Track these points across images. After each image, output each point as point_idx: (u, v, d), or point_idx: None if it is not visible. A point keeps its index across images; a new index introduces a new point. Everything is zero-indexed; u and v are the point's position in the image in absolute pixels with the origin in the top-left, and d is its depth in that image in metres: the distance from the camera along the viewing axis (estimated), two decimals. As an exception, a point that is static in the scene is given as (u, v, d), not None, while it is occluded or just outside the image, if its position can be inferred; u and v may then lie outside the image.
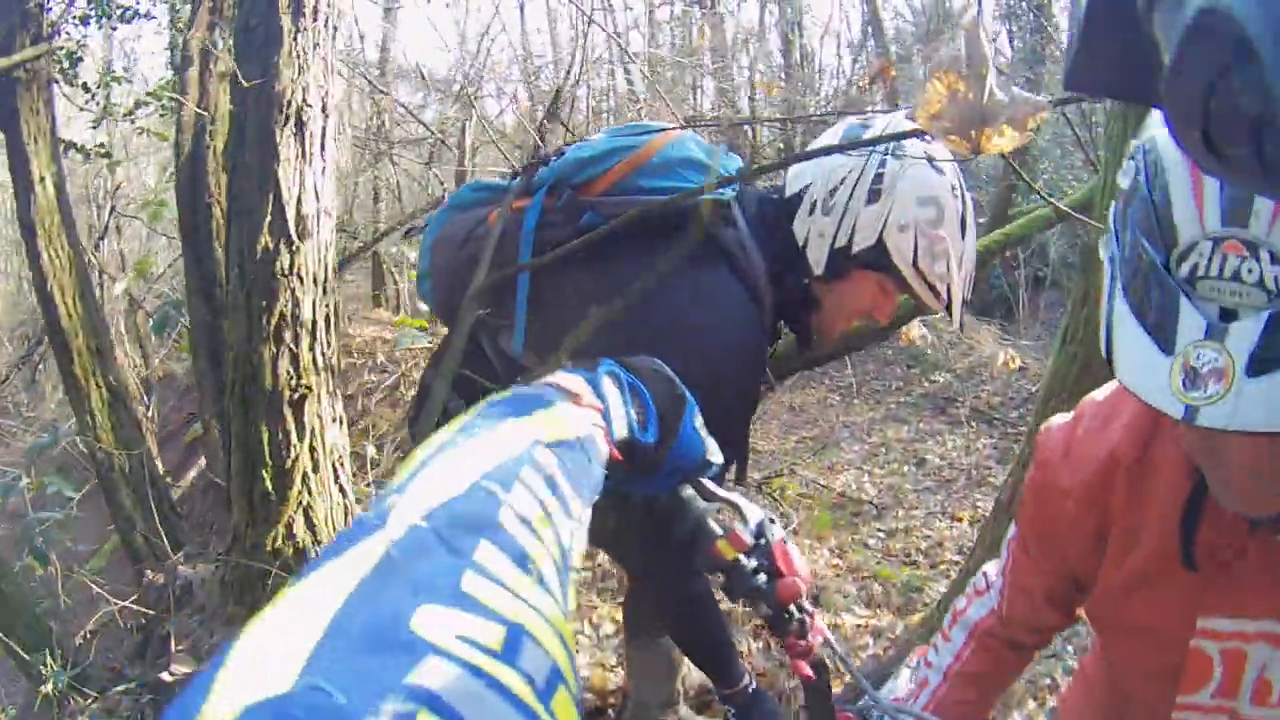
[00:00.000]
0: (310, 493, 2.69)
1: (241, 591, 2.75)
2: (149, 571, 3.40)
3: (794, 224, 1.63)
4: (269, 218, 2.40)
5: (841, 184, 1.58)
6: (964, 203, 1.59)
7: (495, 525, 0.48)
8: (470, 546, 0.45)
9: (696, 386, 0.89)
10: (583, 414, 0.72)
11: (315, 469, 2.69)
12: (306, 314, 2.51)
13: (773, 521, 1.03)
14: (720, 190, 1.58)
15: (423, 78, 8.83)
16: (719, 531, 1.01)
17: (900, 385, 8.83)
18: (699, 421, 0.90)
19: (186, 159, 4.11)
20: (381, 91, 7.97)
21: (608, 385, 0.79)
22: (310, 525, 2.71)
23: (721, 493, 1.02)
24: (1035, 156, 11.23)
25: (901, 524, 6.18)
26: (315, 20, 2.41)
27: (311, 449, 2.66)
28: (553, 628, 0.45)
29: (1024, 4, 10.67)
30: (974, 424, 7.86)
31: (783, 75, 12.27)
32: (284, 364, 2.52)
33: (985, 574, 1.32)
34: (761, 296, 1.59)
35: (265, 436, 2.59)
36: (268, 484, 2.63)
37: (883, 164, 1.56)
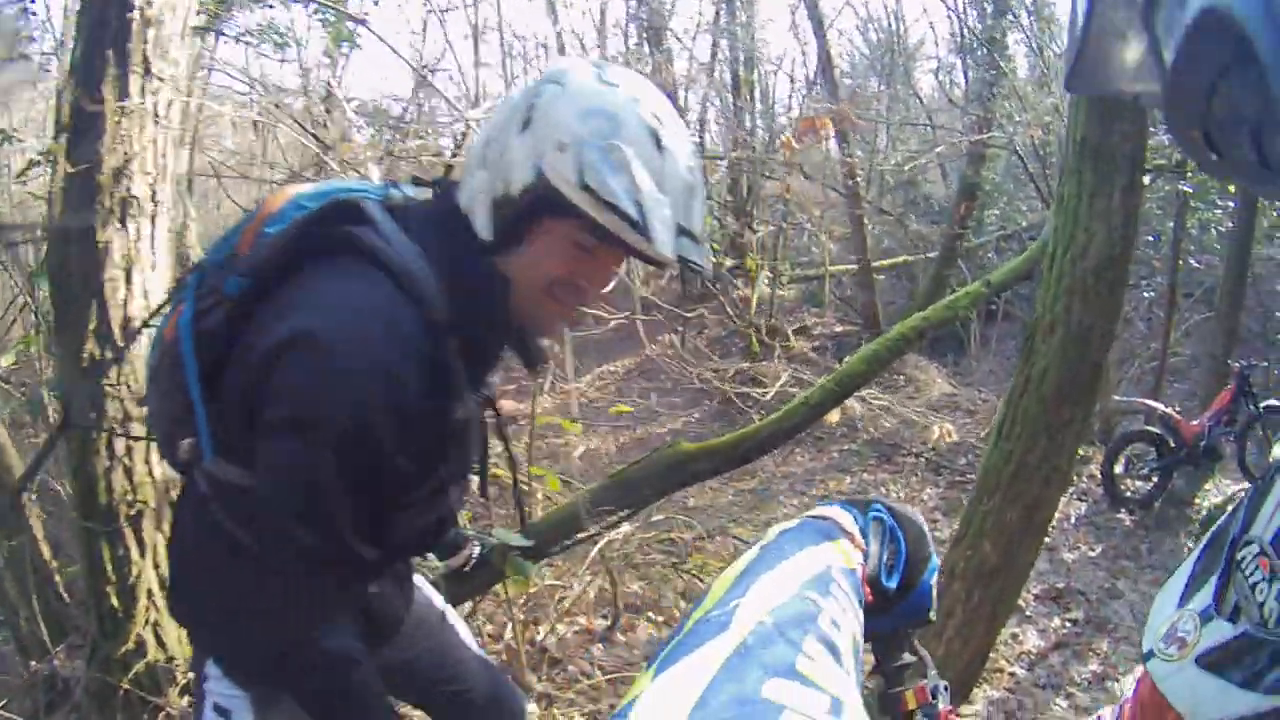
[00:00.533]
0: (157, 609, 2.57)
1: (101, 704, 2.60)
2: (33, 663, 3.26)
3: (459, 197, 1.37)
4: (93, 324, 2.12)
5: (498, 130, 1.32)
6: (661, 120, 1.29)
7: (816, 623, 0.62)
8: (800, 638, 0.59)
9: (337, 404, 0.92)
10: (854, 551, 0.85)
11: (161, 585, 2.55)
12: (138, 427, 2.22)
13: (946, 689, 1.09)
14: (342, 194, 1.36)
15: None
16: (910, 681, 1.08)
17: (844, 432, 8.67)
18: (935, 579, 1.01)
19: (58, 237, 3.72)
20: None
21: (873, 530, 0.95)
22: (161, 642, 2.59)
23: (921, 650, 1.09)
24: (988, 192, 11.24)
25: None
26: (145, 97, 2.11)
27: (155, 565, 2.53)
28: (856, 700, 0.57)
29: (976, 40, 10.63)
30: (919, 473, 7.72)
31: (732, 112, 12.24)
32: (118, 479, 2.27)
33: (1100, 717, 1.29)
34: (422, 290, 1.29)
35: (107, 553, 2.46)
36: (114, 600, 2.51)
37: (539, 93, 1.29)
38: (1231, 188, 7.72)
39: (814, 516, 0.91)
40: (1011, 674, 5.23)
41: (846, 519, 0.91)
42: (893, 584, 0.96)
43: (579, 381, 9.85)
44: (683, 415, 8.07)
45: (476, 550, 2.18)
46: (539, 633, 4.43)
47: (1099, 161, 2.75)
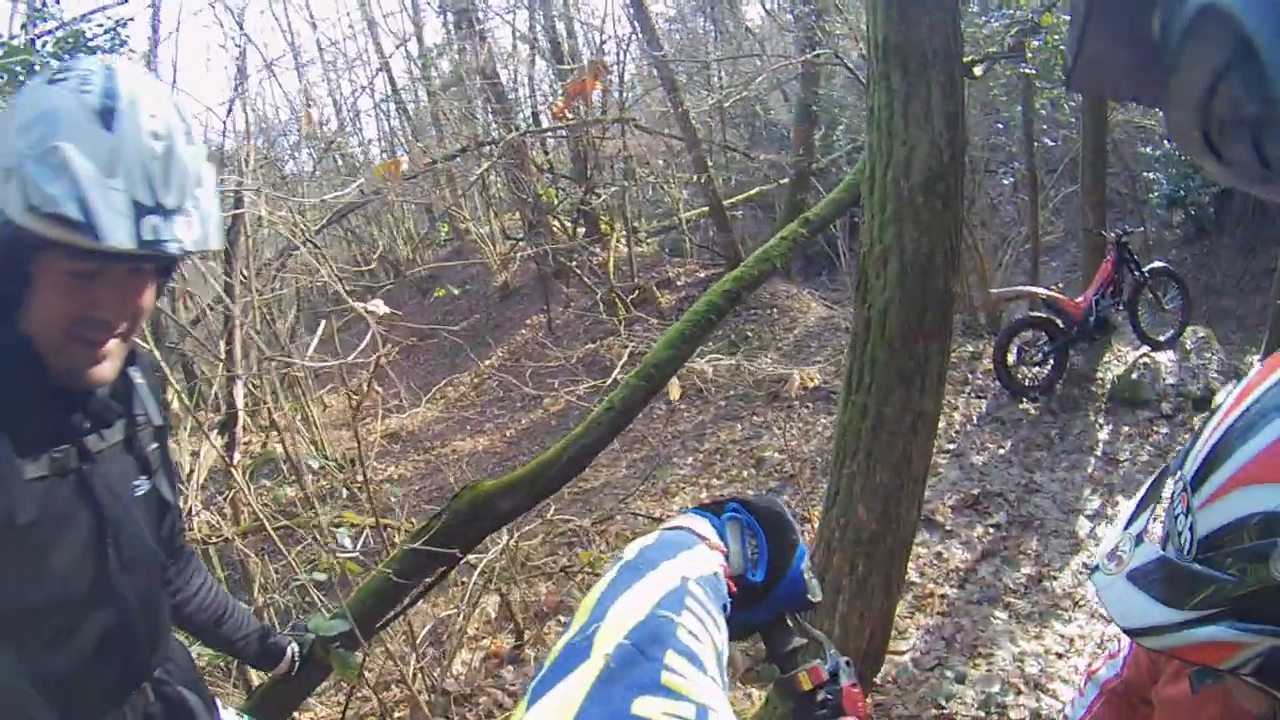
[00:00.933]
0: None
1: None
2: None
3: None
4: None
5: None
6: (121, 96, 1.17)
7: (675, 637, 0.64)
8: (661, 653, 0.61)
9: None
10: (712, 555, 0.89)
11: None
12: None
13: (849, 664, 1.09)
14: None
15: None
16: (803, 663, 1.08)
17: (725, 378, 8.44)
18: (806, 564, 1.02)
19: None
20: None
21: (730, 530, 1.00)
22: None
23: (811, 631, 1.10)
24: (828, 110, 11.14)
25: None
26: None
27: None
28: (723, 705, 0.60)
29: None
30: (810, 404, 7.52)
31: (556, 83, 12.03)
32: None
33: (1119, 638, 1.46)
34: None
35: None
36: None
37: None
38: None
39: (670, 528, 0.94)
40: (943, 595, 5.04)
41: (702, 525, 0.95)
42: (759, 578, 1.00)
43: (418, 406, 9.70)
44: (564, 396, 7.80)
45: (296, 649, 1.98)
46: (437, 675, 4.11)
47: (907, 61, 2.41)
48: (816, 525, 5.64)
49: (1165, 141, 9.29)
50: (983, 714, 3.98)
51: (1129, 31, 0.51)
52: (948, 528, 5.54)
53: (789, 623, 1.10)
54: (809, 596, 1.05)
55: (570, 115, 8.21)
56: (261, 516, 3.36)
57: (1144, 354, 6.92)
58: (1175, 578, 0.80)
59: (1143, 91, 0.56)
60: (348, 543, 3.58)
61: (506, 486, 2.52)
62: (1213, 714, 1.09)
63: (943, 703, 4.06)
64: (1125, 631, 0.85)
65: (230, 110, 9.78)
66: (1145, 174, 9.58)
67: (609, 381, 7.25)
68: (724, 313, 3.04)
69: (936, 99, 2.41)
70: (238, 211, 3.77)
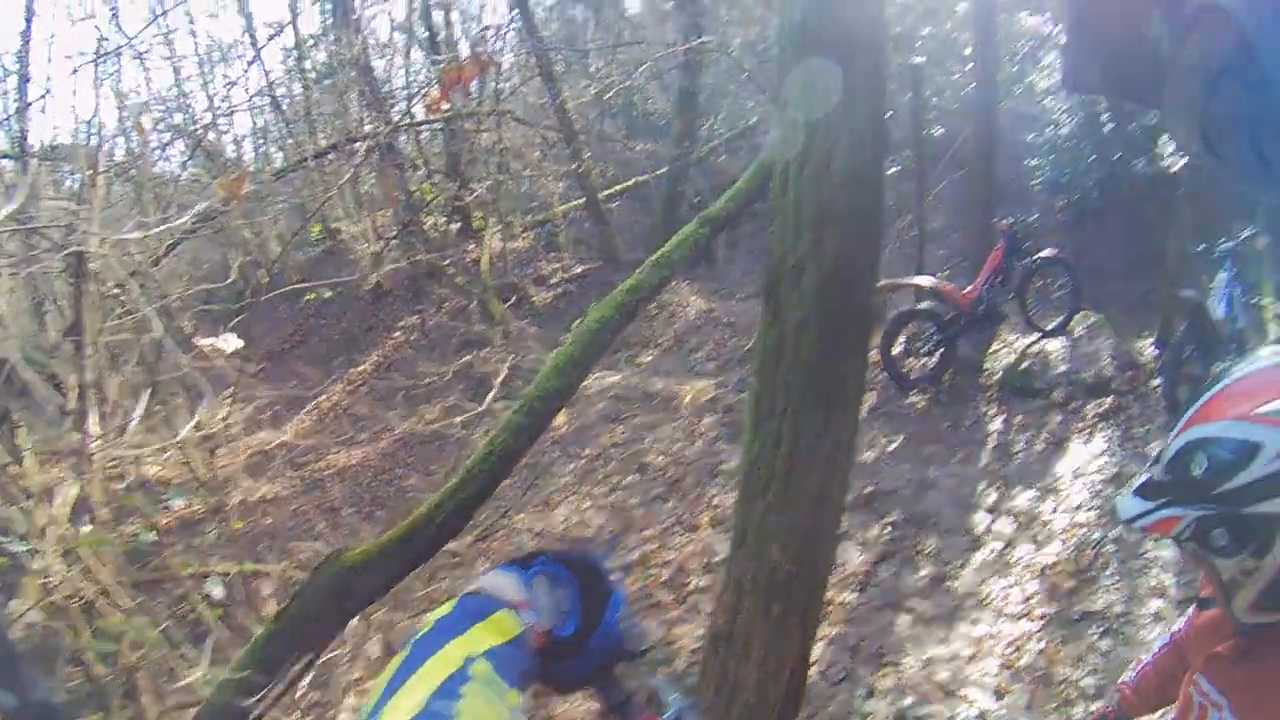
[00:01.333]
0: None
1: None
2: None
3: None
4: None
5: None
6: None
7: None
8: None
9: None
10: (509, 620, 0.91)
11: None
12: None
13: (693, 709, 1.13)
14: None
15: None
16: (636, 715, 1.12)
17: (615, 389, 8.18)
18: (623, 613, 1.06)
19: None
20: None
21: (539, 585, 1.01)
22: None
23: (648, 679, 1.21)
24: (709, 98, 11.03)
25: (635, 552, 5.45)
26: None
27: None
28: None
29: None
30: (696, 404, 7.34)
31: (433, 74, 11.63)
32: None
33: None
34: None
35: None
36: None
37: None
38: (968, 49, 7.61)
39: (470, 594, 0.95)
40: (843, 602, 4.87)
41: (508, 583, 0.97)
42: (568, 631, 1.00)
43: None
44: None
45: None
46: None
47: (829, 47, 2.11)
48: (708, 529, 5.44)
49: (1049, 127, 9.42)
50: (901, 731, 3.81)
51: (1128, 32, 0.52)
52: (843, 528, 5.38)
53: (617, 673, 1.11)
54: (628, 646, 1.06)
55: (446, 107, 7.91)
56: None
57: (1033, 342, 6.93)
58: (1151, 485, 1.20)
59: (1142, 92, 0.54)
60: (217, 592, 3.31)
61: (375, 555, 2.16)
62: (1213, 619, 1.40)
63: (857, 722, 3.88)
64: (1124, 522, 1.22)
65: (97, 109, 9.44)
66: (1029, 160, 9.69)
67: (484, 406, 6.99)
68: (619, 329, 2.71)
69: (861, 89, 2.13)
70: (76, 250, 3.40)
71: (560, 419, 7.35)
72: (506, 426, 2.36)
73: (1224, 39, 0.41)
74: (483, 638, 0.83)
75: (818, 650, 4.34)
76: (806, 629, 2.44)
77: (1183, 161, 6.51)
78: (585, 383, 7.34)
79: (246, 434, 8.45)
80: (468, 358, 8.60)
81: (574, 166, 9.82)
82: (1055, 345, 6.94)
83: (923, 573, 4.97)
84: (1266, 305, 6.71)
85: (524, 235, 11.53)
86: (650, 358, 8.26)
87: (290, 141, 10.65)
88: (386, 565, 2.23)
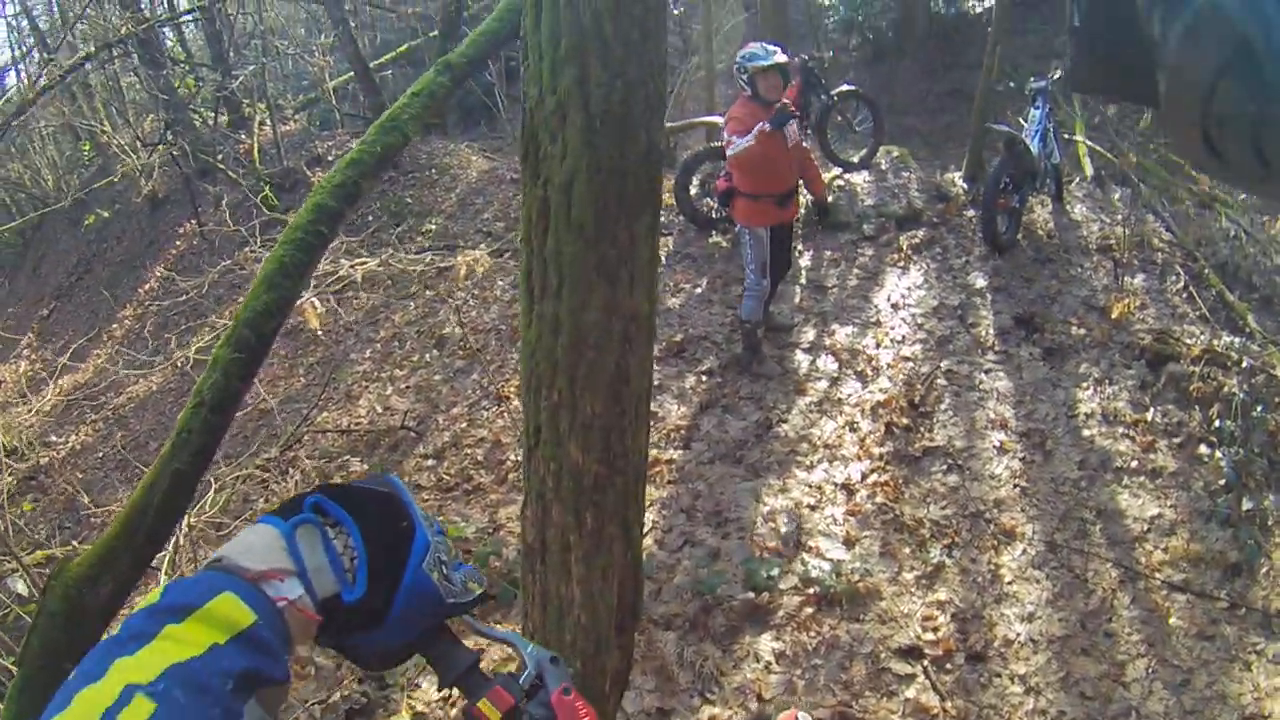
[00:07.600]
0: None
1: None
2: None
3: None
4: None
5: None
6: None
7: None
8: None
9: None
10: (236, 603, 0.64)
11: None
12: None
13: (555, 663, 0.87)
14: None
15: None
16: (482, 690, 0.85)
17: (396, 243, 7.75)
18: (433, 558, 0.78)
19: None
20: None
21: (304, 537, 0.73)
22: None
23: (492, 634, 0.91)
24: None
25: (448, 437, 5.13)
26: None
27: None
28: None
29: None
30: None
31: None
32: None
33: None
34: None
35: None
36: None
37: None
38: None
39: (210, 565, 0.69)
40: (669, 461, 4.72)
41: (259, 547, 0.70)
42: (355, 594, 0.73)
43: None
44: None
45: None
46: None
47: None
48: (514, 399, 5.12)
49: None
50: (753, 595, 3.69)
51: (1129, 32, 0.51)
52: (655, 381, 5.25)
53: (451, 635, 0.86)
54: (449, 600, 0.80)
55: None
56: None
57: (836, 176, 6.87)
58: None
59: (1143, 91, 0.52)
60: (20, 588, 2.87)
61: (102, 560, 1.73)
62: None
63: (710, 595, 3.73)
64: None
65: None
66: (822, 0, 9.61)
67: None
68: (340, 218, 2.25)
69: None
70: None
71: (352, 304, 6.83)
72: (214, 365, 1.91)
73: (1224, 38, 0.39)
74: (167, 651, 0.58)
75: (650, 516, 4.17)
76: (629, 533, 2.16)
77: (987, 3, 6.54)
78: (368, 265, 6.82)
79: (52, 384, 8.14)
80: (251, 253, 7.88)
81: (340, 39, 9.42)
82: (860, 179, 6.90)
83: (749, 420, 4.87)
84: (1079, 142, 6.93)
85: (296, 118, 11.06)
86: (435, 225, 7.82)
87: (52, 60, 9.42)
88: (116, 570, 1.83)
